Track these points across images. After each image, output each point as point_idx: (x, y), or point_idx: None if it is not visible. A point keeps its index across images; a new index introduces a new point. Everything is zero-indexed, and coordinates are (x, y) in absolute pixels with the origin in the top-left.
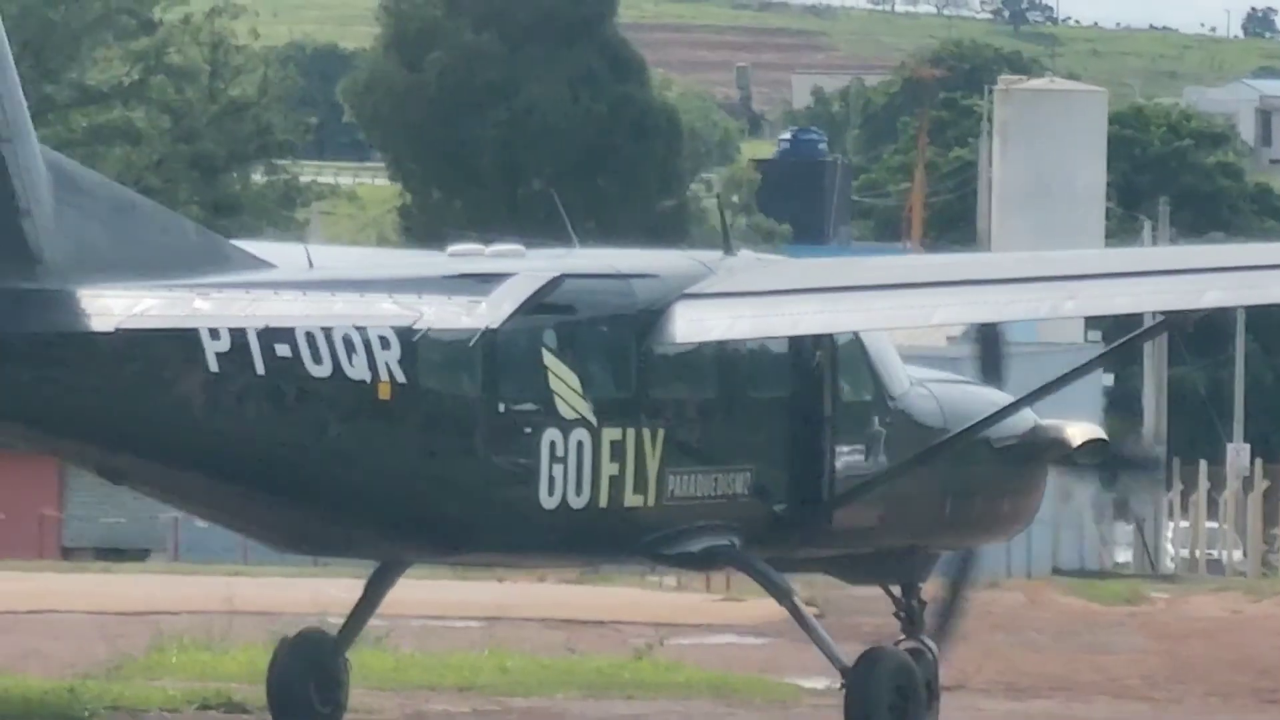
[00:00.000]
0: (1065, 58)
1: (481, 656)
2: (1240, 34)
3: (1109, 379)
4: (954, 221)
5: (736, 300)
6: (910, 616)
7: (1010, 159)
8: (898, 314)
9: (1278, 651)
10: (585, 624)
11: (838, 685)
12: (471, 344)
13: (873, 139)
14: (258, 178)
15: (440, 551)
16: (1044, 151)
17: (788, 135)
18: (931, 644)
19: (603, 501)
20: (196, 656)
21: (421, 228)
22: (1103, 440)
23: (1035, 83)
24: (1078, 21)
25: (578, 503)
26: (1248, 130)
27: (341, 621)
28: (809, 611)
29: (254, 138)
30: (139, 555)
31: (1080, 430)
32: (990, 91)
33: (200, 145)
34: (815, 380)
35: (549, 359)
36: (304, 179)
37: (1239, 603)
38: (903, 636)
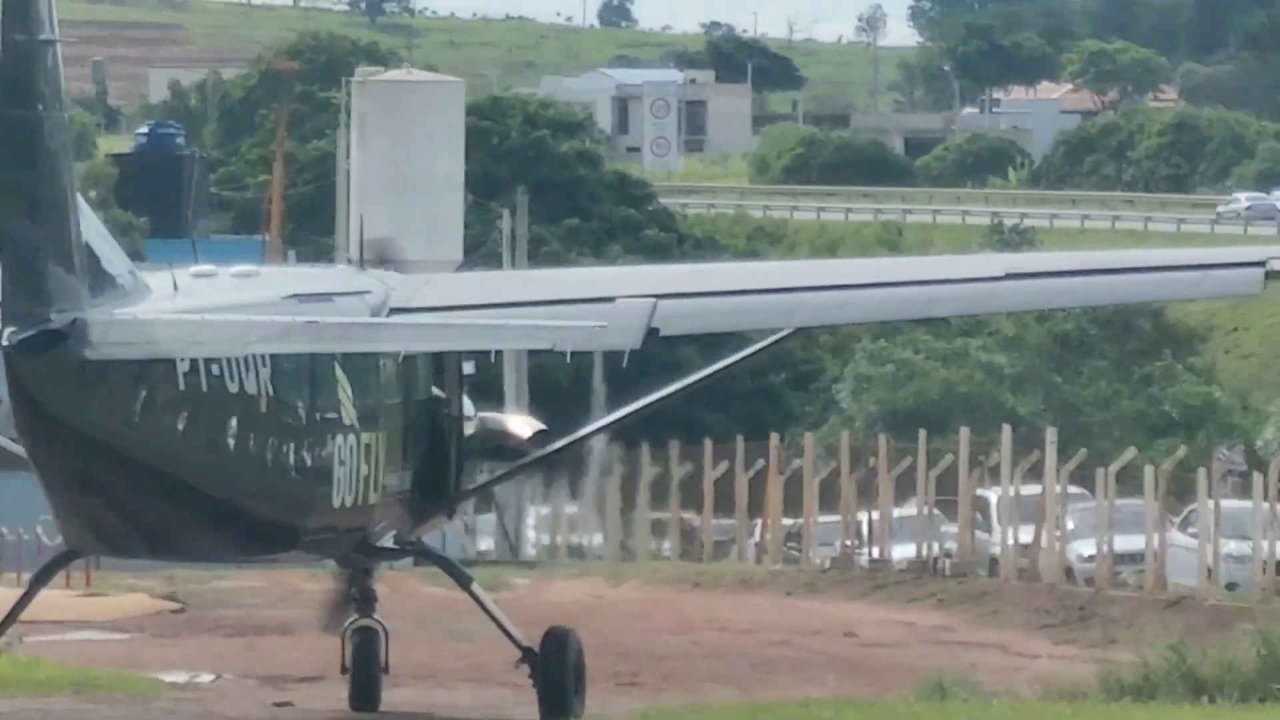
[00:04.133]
0: (423, 49)
1: None
2: (596, 23)
3: (470, 366)
4: (313, 213)
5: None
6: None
7: (368, 150)
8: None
9: (638, 635)
10: None
11: (206, 677)
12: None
13: (231, 132)
14: None
15: None
16: (402, 143)
17: (145, 129)
18: (383, 623)
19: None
20: None
21: None
22: (545, 431)
23: (392, 74)
24: (435, 12)
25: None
26: (605, 119)
27: None
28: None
29: None
30: None
31: (526, 423)
32: (347, 84)
33: None
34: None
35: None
36: None
37: (600, 587)
38: (357, 617)
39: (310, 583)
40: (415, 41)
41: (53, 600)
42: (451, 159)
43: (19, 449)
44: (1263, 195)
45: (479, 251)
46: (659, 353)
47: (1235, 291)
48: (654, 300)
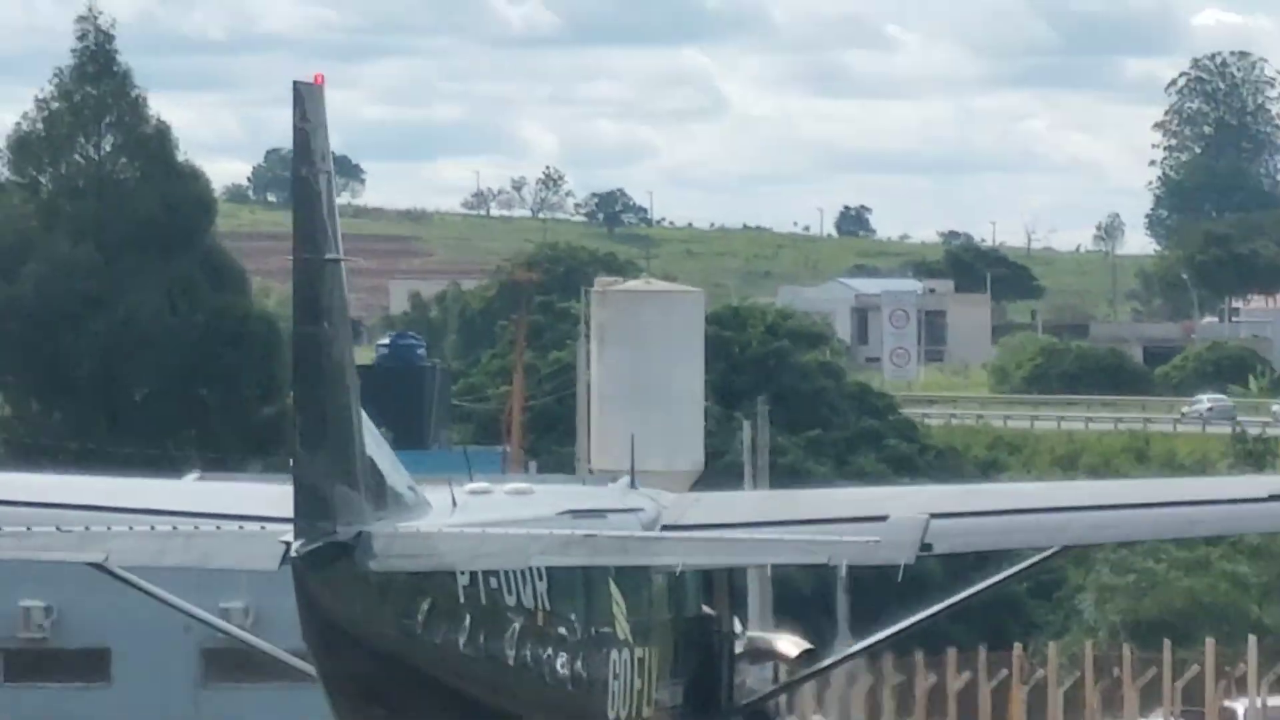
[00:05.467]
0: (661, 259)
1: None
2: (834, 232)
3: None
4: (554, 423)
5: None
6: None
7: (607, 361)
8: None
9: None
10: None
11: None
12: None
13: (471, 343)
14: None
15: None
16: (641, 353)
17: (386, 341)
18: None
19: None
20: None
21: (20, 440)
22: (811, 650)
23: (631, 284)
24: (672, 223)
25: None
26: (844, 328)
27: None
28: None
29: None
30: None
31: (793, 642)
32: (586, 293)
33: None
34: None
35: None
36: None
37: None
38: None
39: None
40: (653, 251)
41: None
42: (691, 369)
43: (287, 657)
44: (1221, 398)
45: (720, 461)
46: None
47: None
48: (927, 517)
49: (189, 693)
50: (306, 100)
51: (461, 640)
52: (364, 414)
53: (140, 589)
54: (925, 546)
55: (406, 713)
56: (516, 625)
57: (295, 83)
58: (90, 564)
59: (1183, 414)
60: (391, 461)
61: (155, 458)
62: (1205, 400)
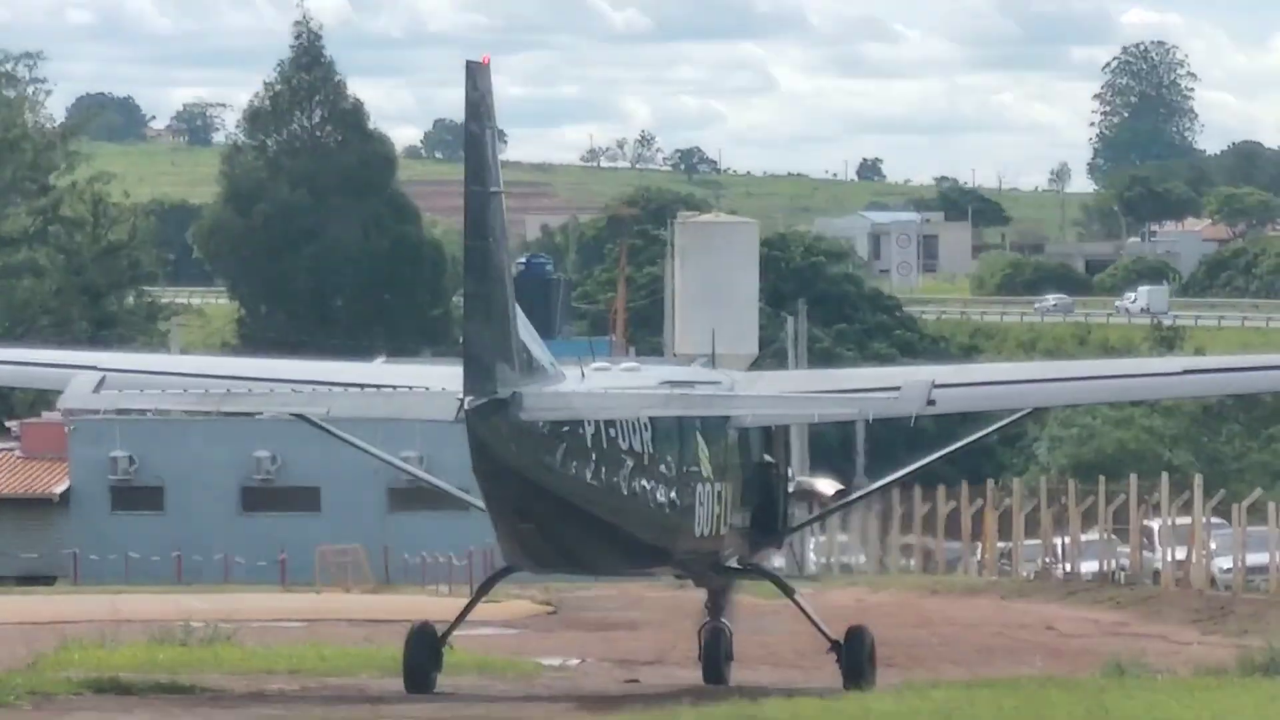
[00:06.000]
0: (727, 198)
1: (305, 647)
2: (855, 178)
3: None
4: (648, 320)
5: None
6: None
7: (688, 274)
8: None
9: (892, 629)
10: (382, 623)
11: (574, 661)
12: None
13: (587, 261)
14: (130, 300)
15: None
16: (713, 268)
17: (523, 260)
18: (729, 624)
19: None
20: (93, 654)
21: (254, 335)
22: (843, 489)
23: (705, 217)
24: (735, 171)
25: None
26: (862, 249)
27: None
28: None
29: (127, 270)
30: (48, 580)
31: (830, 483)
32: (671, 224)
33: (87, 276)
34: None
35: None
36: (164, 300)
37: (863, 594)
38: (709, 619)
39: (650, 592)
40: (721, 193)
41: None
42: (749, 279)
43: (452, 489)
44: (1063, 296)
45: (770, 348)
46: (904, 430)
47: None
48: (931, 384)
49: (378, 519)
50: (477, 75)
51: (589, 474)
52: (518, 308)
53: (345, 440)
54: (930, 404)
55: (549, 528)
56: (629, 463)
57: (468, 62)
58: (313, 417)
59: (1115, 308)
60: (539, 344)
61: (352, 347)
62: (1051, 298)
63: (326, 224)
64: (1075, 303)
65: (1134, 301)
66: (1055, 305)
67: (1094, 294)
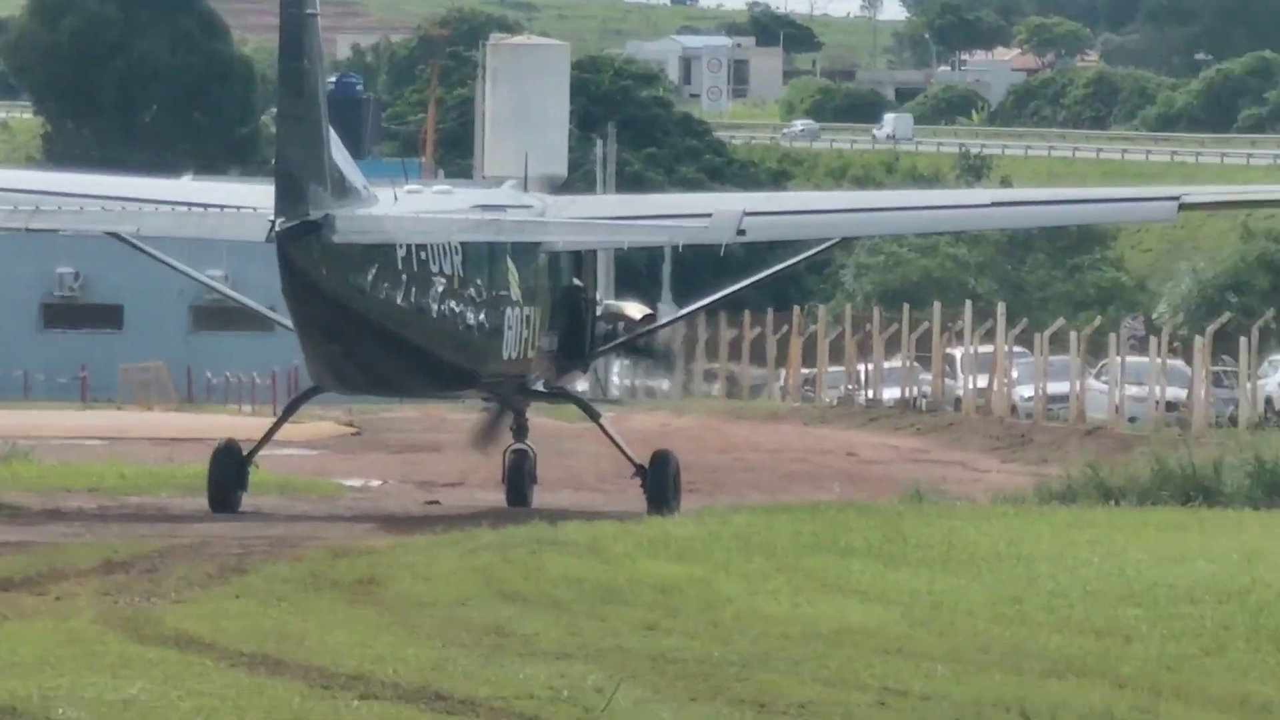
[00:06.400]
0: (539, 20)
1: (105, 465)
2: (668, 1)
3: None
4: (458, 142)
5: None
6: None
7: (498, 97)
8: None
9: (695, 454)
10: (184, 441)
11: (376, 483)
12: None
13: (397, 82)
14: None
15: None
16: (523, 91)
17: (333, 79)
18: (533, 446)
19: None
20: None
21: (59, 150)
22: (650, 314)
23: (517, 39)
24: None
25: None
26: (674, 73)
27: None
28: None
29: None
30: None
31: (638, 308)
32: (484, 45)
33: None
34: None
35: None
36: None
37: (667, 419)
38: (515, 442)
39: (453, 414)
40: (533, 15)
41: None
42: (559, 102)
43: (261, 309)
44: (810, 121)
45: (579, 171)
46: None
47: (1159, 219)
48: (741, 212)
49: (181, 338)
50: None
51: (399, 296)
52: (331, 130)
53: (154, 257)
54: (740, 233)
55: (358, 350)
56: (439, 287)
57: None
58: (125, 235)
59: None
60: (351, 166)
61: (159, 164)
62: (799, 124)
63: (135, 38)
64: (821, 129)
65: (881, 129)
66: (803, 130)
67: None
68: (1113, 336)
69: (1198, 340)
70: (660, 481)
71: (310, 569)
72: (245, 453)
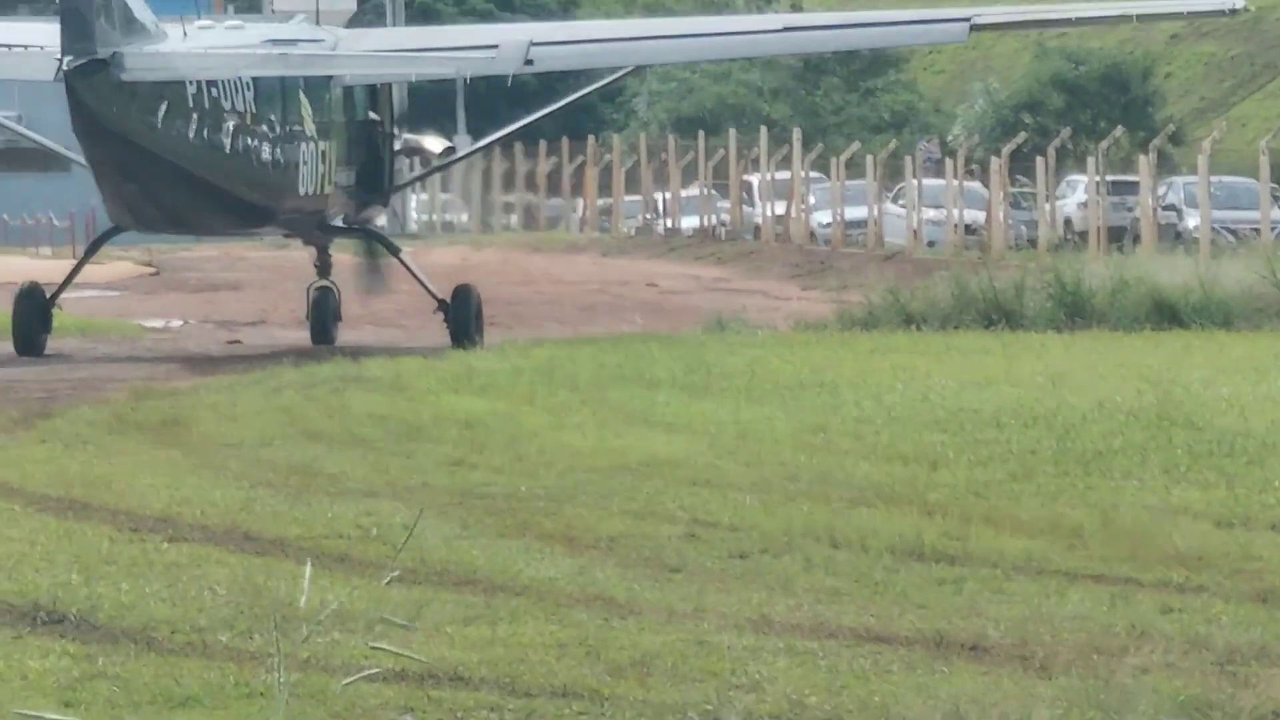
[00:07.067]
0: None
1: None
2: None
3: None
4: None
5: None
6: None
7: None
8: None
9: (495, 288)
10: None
11: (176, 323)
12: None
13: None
14: None
15: None
16: None
17: None
18: (336, 283)
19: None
20: None
21: None
22: (451, 147)
23: None
24: None
25: None
26: None
27: None
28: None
29: None
30: None
31: (438, 141)
32: None
33: None
34: None
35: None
36: None
37: (466, 253)
38: (318, 279)
39: (252, 253)
40: None
41: (63, 267)
42: None
43: (58, 148)
44: None
45: (369, 3)
46: (506, 89)
47: (950, 40)
48: (529, 42)
49: None
50: None
51: (191, 133)
52: None
53: None
54: (528, 63)
55: (153, 188)
56: (231, 123)
57: None
58: None
59: None
60: (140, 2)
61: None
62: None
63: None
64: None
65: None
66: None
67: None
68: (909, 160)
69: (994, 162)
70: (462, 316)
71: (115, 411)
72: (48, 295)
